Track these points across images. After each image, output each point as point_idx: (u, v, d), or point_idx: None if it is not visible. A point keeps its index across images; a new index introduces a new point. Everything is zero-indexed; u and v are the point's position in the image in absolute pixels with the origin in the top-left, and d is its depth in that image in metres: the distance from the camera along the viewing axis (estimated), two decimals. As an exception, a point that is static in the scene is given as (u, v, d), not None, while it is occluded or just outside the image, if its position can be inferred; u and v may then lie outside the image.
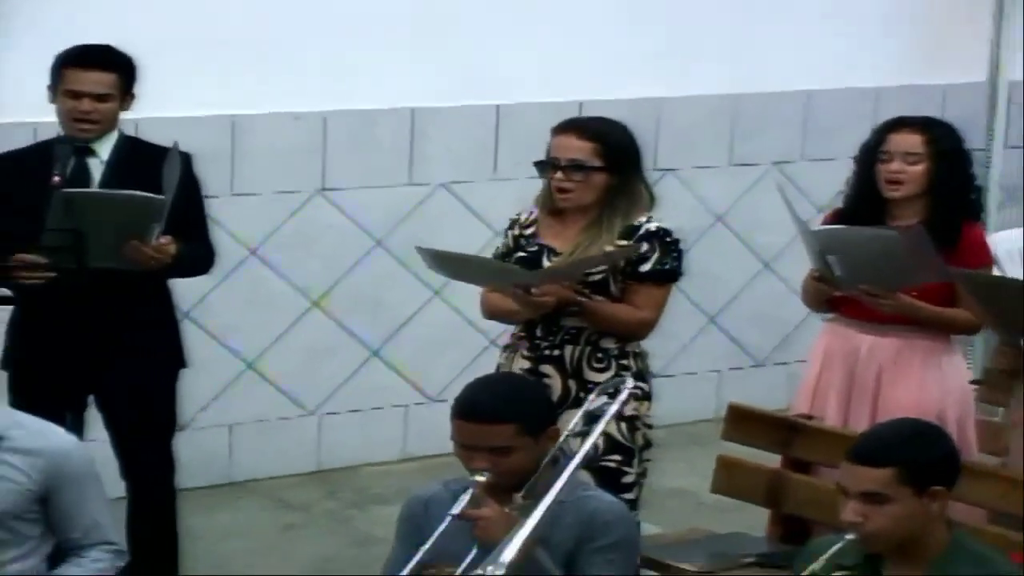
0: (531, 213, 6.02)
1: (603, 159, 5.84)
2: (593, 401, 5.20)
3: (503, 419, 4.73)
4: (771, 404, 6.61)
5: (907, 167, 6.13)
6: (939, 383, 6.18)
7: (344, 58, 7.94)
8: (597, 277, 5.80)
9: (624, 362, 5.84)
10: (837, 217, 6.35)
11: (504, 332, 6.18)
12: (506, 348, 6.05)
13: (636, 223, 5.85)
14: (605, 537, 4.79)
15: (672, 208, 6.23)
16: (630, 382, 5.45)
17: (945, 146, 6.19)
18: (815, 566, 4.35)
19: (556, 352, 5.85)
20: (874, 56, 9.06)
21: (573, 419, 5.12)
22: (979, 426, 6.48)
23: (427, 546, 4.64)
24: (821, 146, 8.90)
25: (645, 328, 5.90)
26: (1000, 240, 8.26)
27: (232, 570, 7.07)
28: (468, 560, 4.58)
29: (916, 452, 4.44)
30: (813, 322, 6.57)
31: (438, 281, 7.91)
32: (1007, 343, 6.32)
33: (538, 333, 5.87)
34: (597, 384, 5.67)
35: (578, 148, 5.84)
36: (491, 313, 6.07)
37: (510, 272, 5.91)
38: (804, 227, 6.13)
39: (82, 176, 6.24)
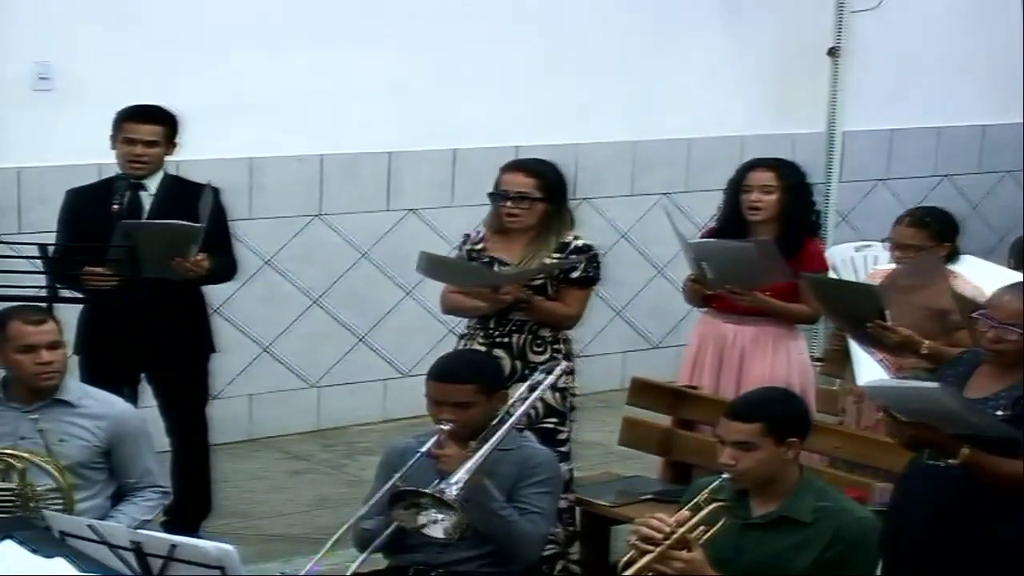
0: (479, 232, 5.99)
1: (543, 191, 5.82)
2: (535, 376, 5.27)
3: (466, 380, 4.79)
4: (663, 377, 6.60)
5: (764, 197, 6.12)
6: (786, 360, 6.19)
7: (336, 114, 7.91)
8: (538, 282, 5.79)
9: (557, 346, 5.82)
10: (711, 234, 6.34)
11: (459, 323, 6.18)
12: (461, 337, 6.03)
13: (567, 240, 5.84)
14: (536, 475, 4.85)
15: (587, 228, 6.23)
16: (564, 363, 5.51)
17: (792, 180, 6.20)
18: (699, 498, 4.34)
19: (506, 339, 5.82)
20: (739, 112, 9.06)
21: (519, 390, 5.15)
22: (819, 393, 6.49)
23: (398, 476, 4.68)
24: (700, 180, 8.87)
25: (574, 320, 5.89)
26: (836, 252, 8.33)
27: (252, 506, 7.04)
28: (432, 486, 4.58)
29: (777, 412, 4.45)
30: (694, 314, 6.57)
31: (410, 283, 7.90)
32: (839, 329, 6.35)
33: (491, 325, 5.85)
34: (537, 363, 5.71)
35: (524, 183, 5.83)
36: (449, 309, 6.05)
37: (486, 274, 5.85)
38: (684, 241, 6.13)
39: (135, 205, 6.20)
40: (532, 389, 5.12)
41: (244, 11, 7.62)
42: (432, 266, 5.93)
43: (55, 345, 5.08)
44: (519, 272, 5.80)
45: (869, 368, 5.59)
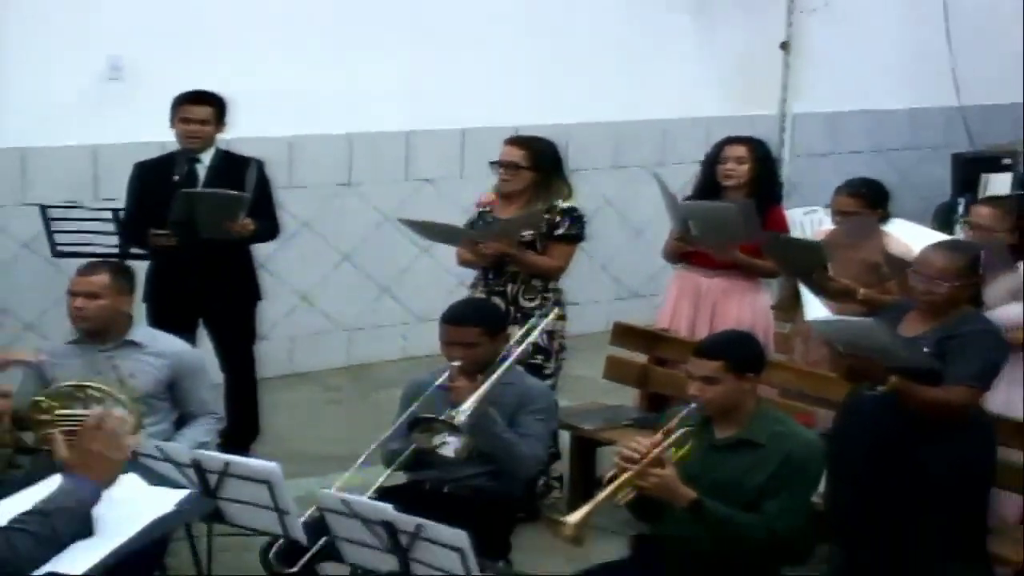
0: (489, 196, 6.01)
1: (530, 162, 5.84)
2: (531, 321, 5.29)
3: (472, 323, 4.79)
4: (642, 322, 6.59)
5: (738, 166, 6.09)
6: (751, 308, 6.18)
7: (362, 100, 7.87)
8: (528, 238, 5.79)
9: (546, 295, 5.83)
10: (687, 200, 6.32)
11: (467, 276, 6.18)
12: (472, 286, 6.05)
13: (555, 203, 5.84)
14: (535, 404, 4.86)
15: (577, 196, 6.20)
16: (556, 310, 5.51)
17: (761, 153, 6.18)
18: (671, 423, 4.36)
19: (501, 288, 5.84)
20: (706, 98, 9.03)
21: (515, 332, 5.15)
22: (775, 335, 6.50)
23: (415, 406, 4.71)
24: (672, 156, 8.87)
25: (557, 272, 5.89)
26: (787, 216, 8.28)
27: (294, 431, 7.04)
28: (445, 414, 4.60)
29: (737, 351, 4.46)
30: (668, 269, 6.56)
31: (425, 243, 7.87)
32: (791, 281, 6.33)
33: (490, 276, 5.88)
34: (528, 308, 5.72)
35: (514, 154, 5.86)
36: (461, 262, 6.06)
37: (461, 232, 5.91)
38: (673, 200, 6.08)
39: (192, 176, 6.21)
40: (528, 332, 5.13)
41: (285, 14, 7.61)
42: (414, 228, 6.05)
43: (94, 296, 5.02)
44: (485, 230, 5.81)
45: (815, 307, 5.59)
